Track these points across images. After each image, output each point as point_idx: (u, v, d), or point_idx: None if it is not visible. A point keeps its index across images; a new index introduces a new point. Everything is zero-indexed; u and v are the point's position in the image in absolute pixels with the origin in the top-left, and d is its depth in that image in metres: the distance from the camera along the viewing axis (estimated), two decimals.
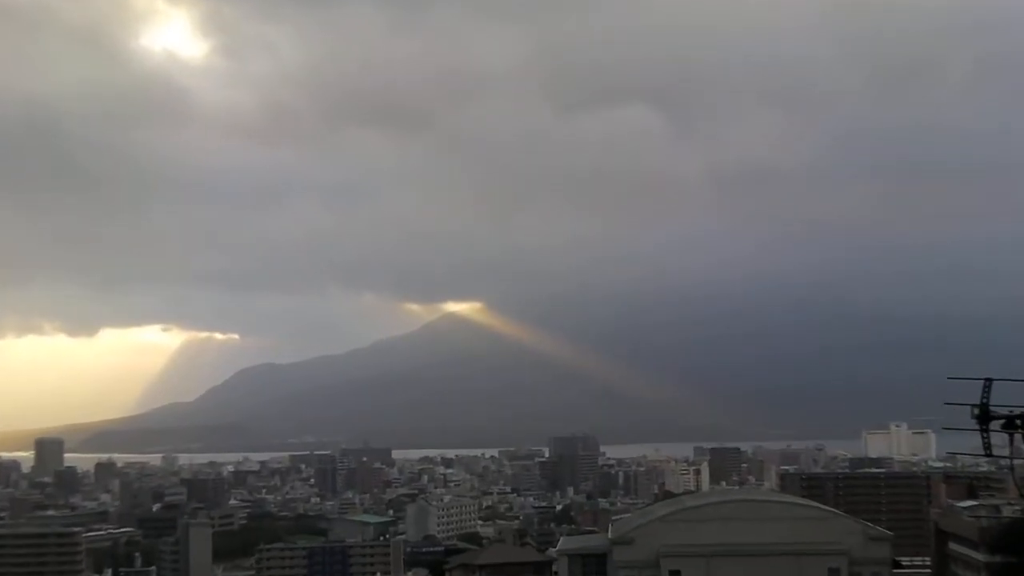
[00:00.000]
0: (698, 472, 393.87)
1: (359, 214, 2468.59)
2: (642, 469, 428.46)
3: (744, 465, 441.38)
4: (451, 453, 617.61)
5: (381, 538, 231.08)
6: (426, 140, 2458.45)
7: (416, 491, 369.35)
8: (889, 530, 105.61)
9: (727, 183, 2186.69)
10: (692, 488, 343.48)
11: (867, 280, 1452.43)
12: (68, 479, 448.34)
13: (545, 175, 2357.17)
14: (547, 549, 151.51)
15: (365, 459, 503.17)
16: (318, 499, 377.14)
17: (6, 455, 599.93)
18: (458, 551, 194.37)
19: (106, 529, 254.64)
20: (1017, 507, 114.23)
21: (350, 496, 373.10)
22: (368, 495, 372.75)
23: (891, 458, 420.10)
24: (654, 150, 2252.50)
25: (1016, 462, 27.91)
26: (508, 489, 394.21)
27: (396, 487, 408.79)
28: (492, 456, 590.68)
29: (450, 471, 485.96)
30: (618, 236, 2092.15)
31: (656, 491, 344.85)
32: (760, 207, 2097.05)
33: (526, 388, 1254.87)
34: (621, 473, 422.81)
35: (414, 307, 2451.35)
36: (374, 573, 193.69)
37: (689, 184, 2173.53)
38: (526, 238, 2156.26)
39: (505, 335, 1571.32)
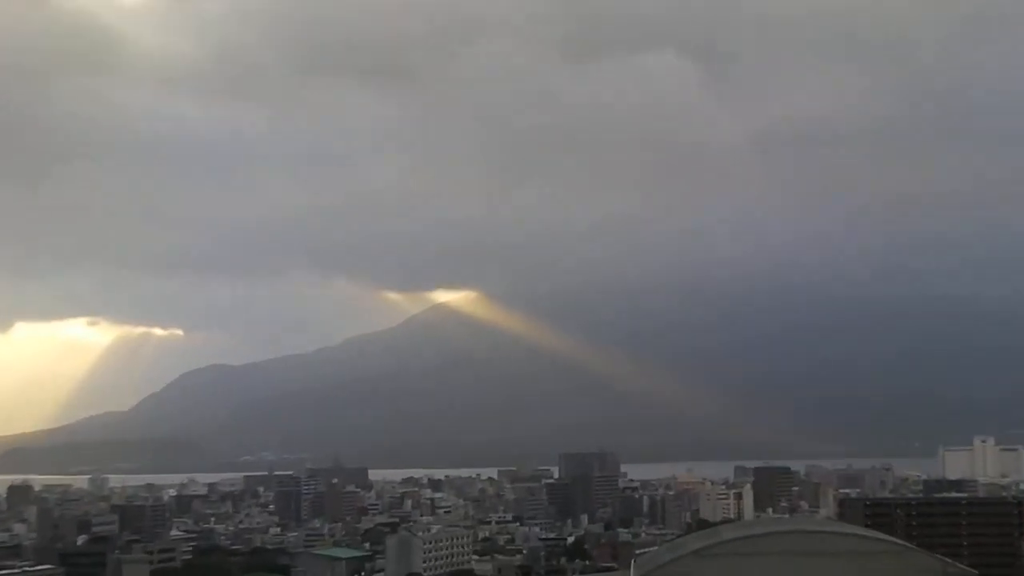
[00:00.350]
0: (739, 497, 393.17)
1: (332, 185, 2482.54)
2: (671, 493, 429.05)
3: (795, 488, 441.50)
4: (440, 473, 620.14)
5: None
6: (415, 97, 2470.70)
7: (398, 519, 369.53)
8: (972, 567, 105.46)
9: (781, 150, 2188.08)
10: (732, 516, 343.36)
11: (956, 270, 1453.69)
12: None
13: (558, 140, 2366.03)
14: None
15: (336, 481, 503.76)
16: (279, 529, 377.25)
17: None
18: None
19: (20, 566, 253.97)
20: None
21: (318, 525, 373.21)
22: (340, 524, 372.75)
23: (975, 480, 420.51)
24: (692, 110, 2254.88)
25: None
26: (509, 517, 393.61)
27: (373, 515, 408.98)
28: (490, 477, 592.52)
29: (439, 495, 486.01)
30: (647, 214, 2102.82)
31: (688, 520, 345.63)
32: (823, 179, 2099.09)
33: (532, 396, 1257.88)
34: (646, 498, 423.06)
35: (396, 296, 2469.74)
36: None
37: (735, 151, 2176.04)
38: (534, 215, 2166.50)
39: (507, 332, 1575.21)
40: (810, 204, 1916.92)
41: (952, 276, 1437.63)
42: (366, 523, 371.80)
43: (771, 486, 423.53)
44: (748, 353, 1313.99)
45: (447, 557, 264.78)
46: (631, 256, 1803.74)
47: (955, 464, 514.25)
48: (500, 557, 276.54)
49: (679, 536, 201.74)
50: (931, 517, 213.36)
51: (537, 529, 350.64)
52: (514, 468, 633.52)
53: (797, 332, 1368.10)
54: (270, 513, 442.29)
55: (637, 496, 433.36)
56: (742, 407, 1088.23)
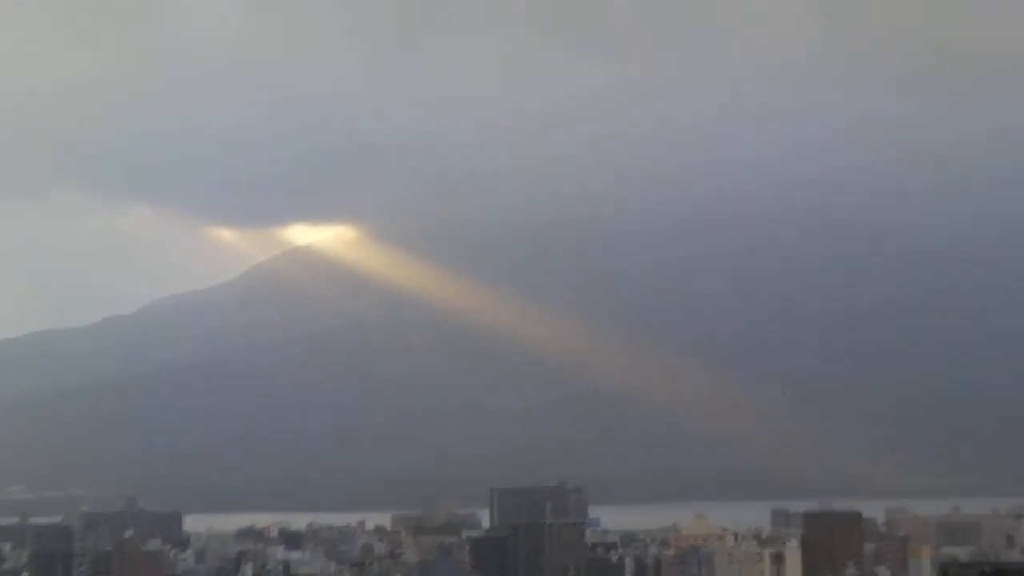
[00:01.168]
0: (780, 560, 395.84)
1: (124, 50, 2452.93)
2: (670, 553, 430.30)
3: (871, 545, 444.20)
4: (300, 520, 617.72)
5: None
6: None
7: None
8: None
9: None
10: None
11: None
12: None
13: None
14: None
15: (130, 533, 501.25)
16: None
17: None
18: None
19: None
20: None
21: None
22: None
23: None
24: None
25: None
26: None
27: None
28: (380, 526, 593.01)
29: (297, 555, 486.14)
30: (641, 84, 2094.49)
31: None
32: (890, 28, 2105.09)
33: (446, 393, 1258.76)
34: (630, 560, 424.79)
35: (229, 235, 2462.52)
36: None
37: None
38: (452, 100, 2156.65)
39: (405, 291, 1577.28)
40: (875, 67, 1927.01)
41: None
42: None
43: (831, 542, 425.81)
44: (801, 317, 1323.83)
45: None
46: (615, 149, 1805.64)
47: None
48: None
49: None
50: None
51: None
52: (419, 511, 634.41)
53: (865, 284, 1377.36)
54: None
55: (615, 558, 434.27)
56: (782, 410, 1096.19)
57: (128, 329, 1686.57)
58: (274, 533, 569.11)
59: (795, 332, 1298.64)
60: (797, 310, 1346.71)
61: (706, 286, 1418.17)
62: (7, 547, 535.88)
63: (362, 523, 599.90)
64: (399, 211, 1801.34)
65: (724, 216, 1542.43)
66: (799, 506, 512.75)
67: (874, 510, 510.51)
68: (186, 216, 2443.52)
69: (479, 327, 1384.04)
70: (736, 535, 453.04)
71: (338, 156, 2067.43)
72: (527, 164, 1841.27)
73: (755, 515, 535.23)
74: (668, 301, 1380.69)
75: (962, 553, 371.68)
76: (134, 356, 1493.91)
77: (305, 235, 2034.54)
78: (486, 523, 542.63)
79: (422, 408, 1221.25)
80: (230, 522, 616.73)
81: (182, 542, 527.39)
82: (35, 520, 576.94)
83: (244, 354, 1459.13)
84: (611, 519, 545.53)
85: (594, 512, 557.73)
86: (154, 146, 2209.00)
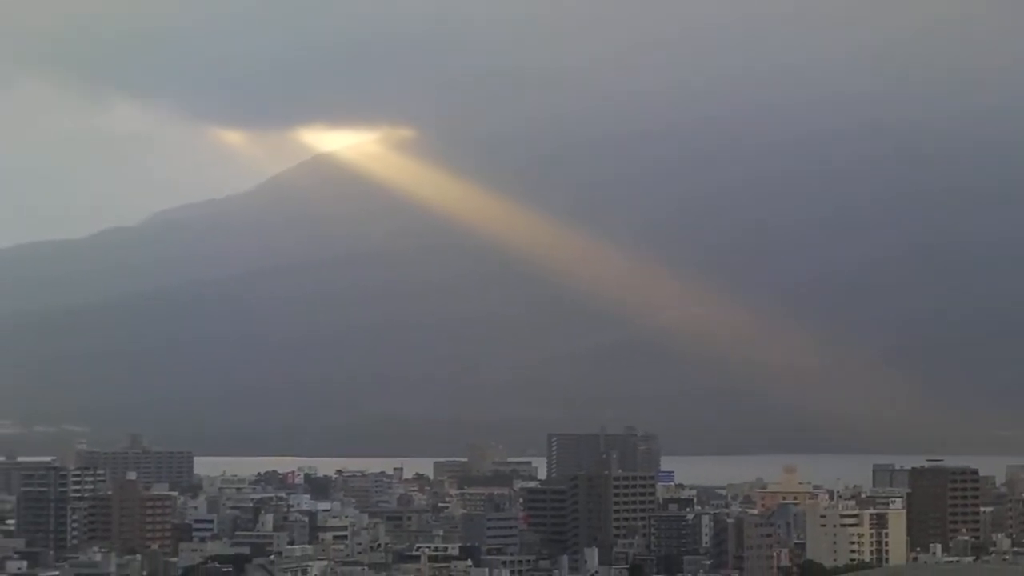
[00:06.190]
0: (881, 522, 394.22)
1: None
2: (754, 512, 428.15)
3: (987, 510, 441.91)
4: (327, 465, 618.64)
5: None
6: None
7: (247, 549, 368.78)
8: None
9: None
10: (868, 559, 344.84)
11: None
12: None
13: None
14: None
15: (133, 476, 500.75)
16: (24, 564, 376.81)
17: None
18: None
19: None
20: None
21: (97, 558, 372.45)
22: (138, 557, 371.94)
23: None
24: None
25: None
26: (454, 549, 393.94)
27: (202, 540, 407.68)
28: (419, 475, 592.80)
29: (324, 507, 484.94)
30: None
31: (786, 561, 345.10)
32: None
33: (495, 326, 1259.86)
34: (707, 519, 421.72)
35: (236, 139, 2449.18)
36: None
37: None
38: None
39: (447, 210, 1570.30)
40: None
41: None
42: (188, 555, 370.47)
43: (941, 503, 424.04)
44: (899, 250, 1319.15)
45: None
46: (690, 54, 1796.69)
47: None
48: None
49: None
50: None
51: (506, 572, 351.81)
52: (464, 459, 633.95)
53: (983, 211, 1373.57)
54: (9, 534, 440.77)
55: (690, 516, 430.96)
56: (883, 354, 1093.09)
57: (132, 243, 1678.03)
58: (298, 479, 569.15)
59: (899, 266, 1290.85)
60: (900, 241, 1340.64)
61: (796, 214, 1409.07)
62: None
63: (400, 471, 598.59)
64: (449, 114, 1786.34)
65: (813, 130, 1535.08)
66: (905, 461, 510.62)
67: (993, 467, 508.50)
68: (180, 115, 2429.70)
69: (546, 261, 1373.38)
70: (831, 493, 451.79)
71: (372, 43, 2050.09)
72: (598, 58, 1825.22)
73: (854, 471, 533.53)
74: (750, 233, 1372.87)
75: None
76: (140, 274, 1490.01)
77: (327, 140, 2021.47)
78: (543, 473, 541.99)
79: (467, 349, 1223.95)
80: (248, 466, 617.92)
81: (193, 487, 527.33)
82: (24, 459, 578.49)
83: (262, 280, 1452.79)
84: (686, 471, 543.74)
85: (667, 464, 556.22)
86: (136, 31, 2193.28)
